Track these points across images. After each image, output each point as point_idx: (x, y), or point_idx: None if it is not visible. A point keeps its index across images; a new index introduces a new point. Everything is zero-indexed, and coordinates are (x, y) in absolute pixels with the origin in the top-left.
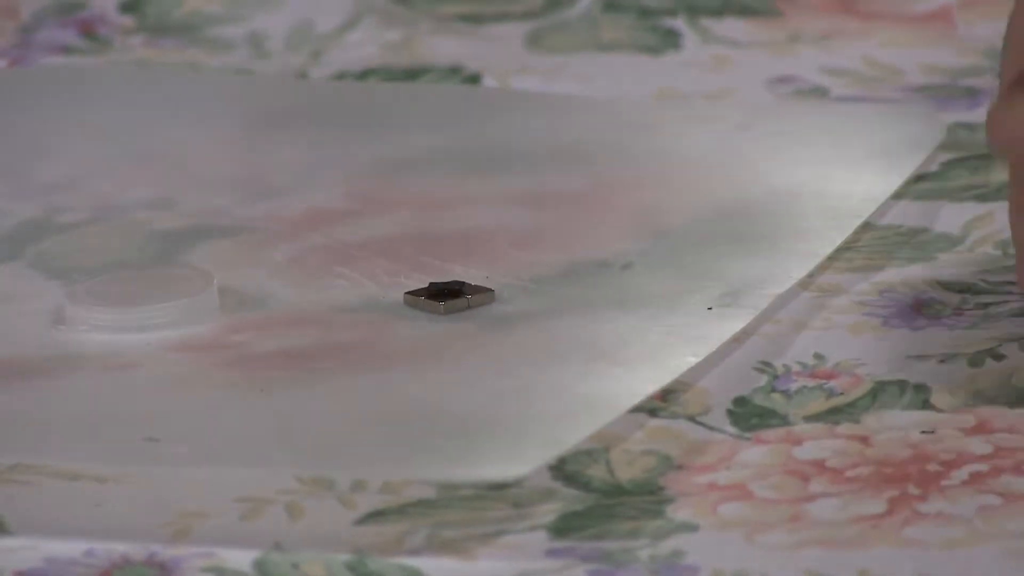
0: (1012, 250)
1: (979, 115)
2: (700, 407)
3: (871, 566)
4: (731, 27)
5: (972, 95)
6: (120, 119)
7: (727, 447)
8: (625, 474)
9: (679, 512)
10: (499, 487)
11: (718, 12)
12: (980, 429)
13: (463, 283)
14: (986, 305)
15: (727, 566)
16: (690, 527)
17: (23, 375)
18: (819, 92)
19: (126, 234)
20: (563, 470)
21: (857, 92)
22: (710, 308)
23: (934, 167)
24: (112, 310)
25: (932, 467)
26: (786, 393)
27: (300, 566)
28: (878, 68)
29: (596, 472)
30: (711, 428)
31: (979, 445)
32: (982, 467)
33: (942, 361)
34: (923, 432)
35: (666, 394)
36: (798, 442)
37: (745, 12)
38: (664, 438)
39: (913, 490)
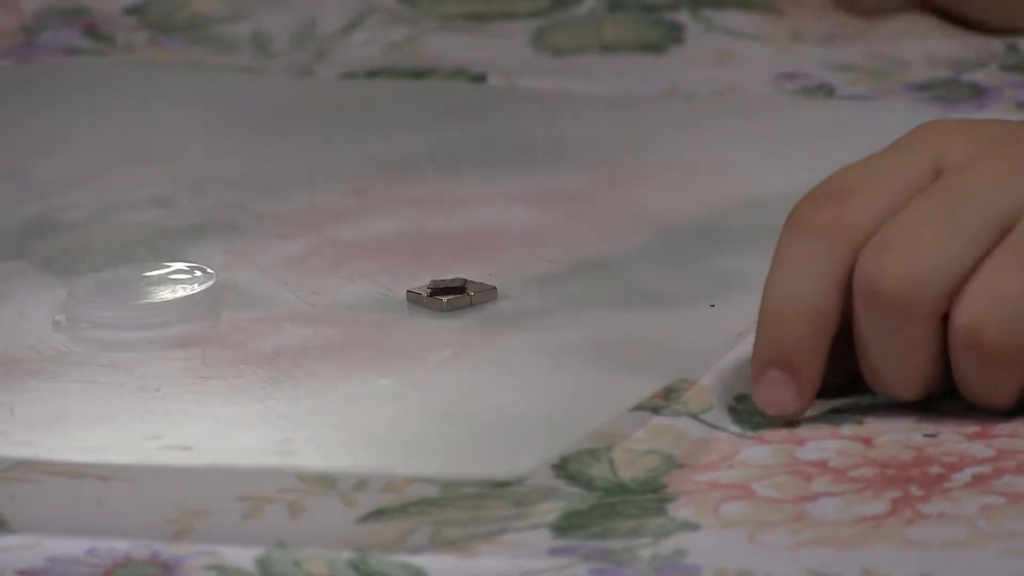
0: None
1: (986, 115)
2: (702, 404)
3: (874, 565)
4: (733, 18)
5: (978, 95)
6: (123, 118)
7: (729, 446)
8: (627, 472)
9: (681, 511)
10: (501, 486)
11: (720, 4)
12: (982, 434)
13: (466, 280)
14: None
15: (729, 565)
16: (692, 526)
17: (24, 373)
18: (825, 89)
19: (128, 233)
20: (565, 468)
21: (863, 90)
22: (712, 305)
23: None
24: (113, 308)
25: (934, 469)
26: None
27: (302, 564)
28: (883, 61)
29: (598, 471)
30: (714, 427)
31: (981, 449)
32: (985, 469)
33: None
34: (925, 436)
35: (668, 392)
36: (801, 443)
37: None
38: (666, 436)
39: (916, 491)
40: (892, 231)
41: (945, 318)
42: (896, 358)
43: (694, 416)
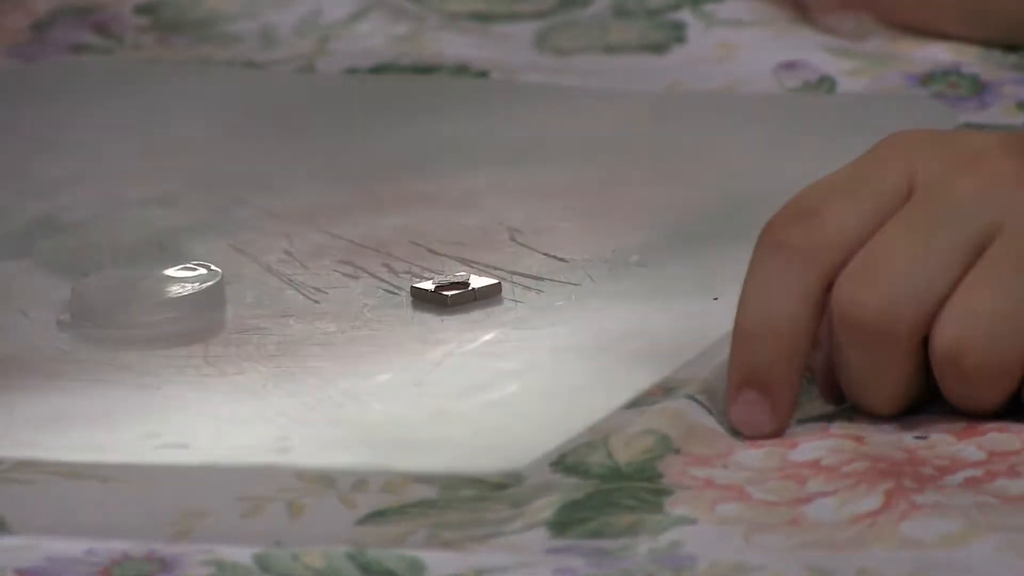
0: None
1: (989, 115)
2: (699, 385)
3: (870, 564)
4: (734, 8)
5: (979, 92)
6: (126, 116)
7: (724, 442)
8: (623, 455)
9: (677, 507)
10: (500, 487)
11: None
12: (971, 432)
13: (470, 276)
14: None
15: (724, 557)
16: (688, 520)
17: (24, 373)
18: (826, 84)
19: (132, 231)
20: (563, 463)
21: (864, 81)
22: (716, 298)
23: None
24: (116, 307)
25: (927, 471)
26: None
27: (300, 556)
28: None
29: (595, 458)
30: (710, 412)
31: (973, 451)
32: (976, 472)
33: None
34: (916, 438)
35: (667, 389)
36: (793, 445)
37: None
38: (662, 416)
39: (909, 484)
40: (868, 258)
41: (925, 339)
42: (876, 380)
43: (691, 397)
